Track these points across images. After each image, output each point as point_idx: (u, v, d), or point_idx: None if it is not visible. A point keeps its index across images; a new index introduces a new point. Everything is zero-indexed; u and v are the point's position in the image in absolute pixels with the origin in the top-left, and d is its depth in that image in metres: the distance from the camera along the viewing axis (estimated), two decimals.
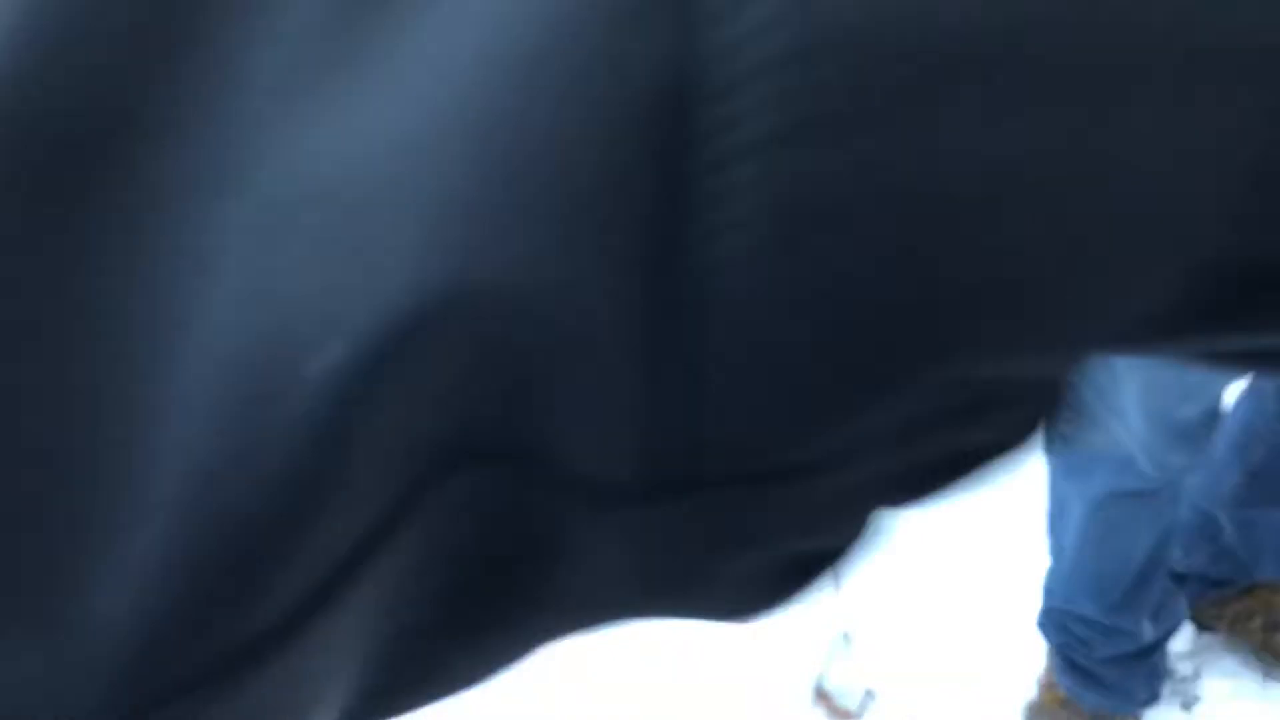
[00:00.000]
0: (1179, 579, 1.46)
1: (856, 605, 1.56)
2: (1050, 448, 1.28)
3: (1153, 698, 1.46)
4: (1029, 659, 1.49)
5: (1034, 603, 1.45)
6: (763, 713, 1.52)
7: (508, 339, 0.13)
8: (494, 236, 0.13)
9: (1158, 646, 1.43)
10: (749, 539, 0.16)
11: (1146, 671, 1.44)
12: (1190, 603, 1.49)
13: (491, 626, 0.16)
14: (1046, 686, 1.48)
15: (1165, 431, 1.17)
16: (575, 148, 0.13)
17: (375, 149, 0.13)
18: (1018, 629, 1.49)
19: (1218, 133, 0.13)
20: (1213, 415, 1.22)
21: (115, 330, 0.13)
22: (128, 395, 0.13)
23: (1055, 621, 1.41)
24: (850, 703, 1.55)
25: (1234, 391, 1.31)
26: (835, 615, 1.57)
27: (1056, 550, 1.39)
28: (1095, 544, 1.33)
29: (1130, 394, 1.15)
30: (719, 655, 1.49)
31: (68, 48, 0.13)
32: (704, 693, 1.48)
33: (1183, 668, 1.51)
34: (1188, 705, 1.48)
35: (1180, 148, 0.13)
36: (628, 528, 0.15)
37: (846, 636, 1.58)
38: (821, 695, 1.55)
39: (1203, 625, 1.52)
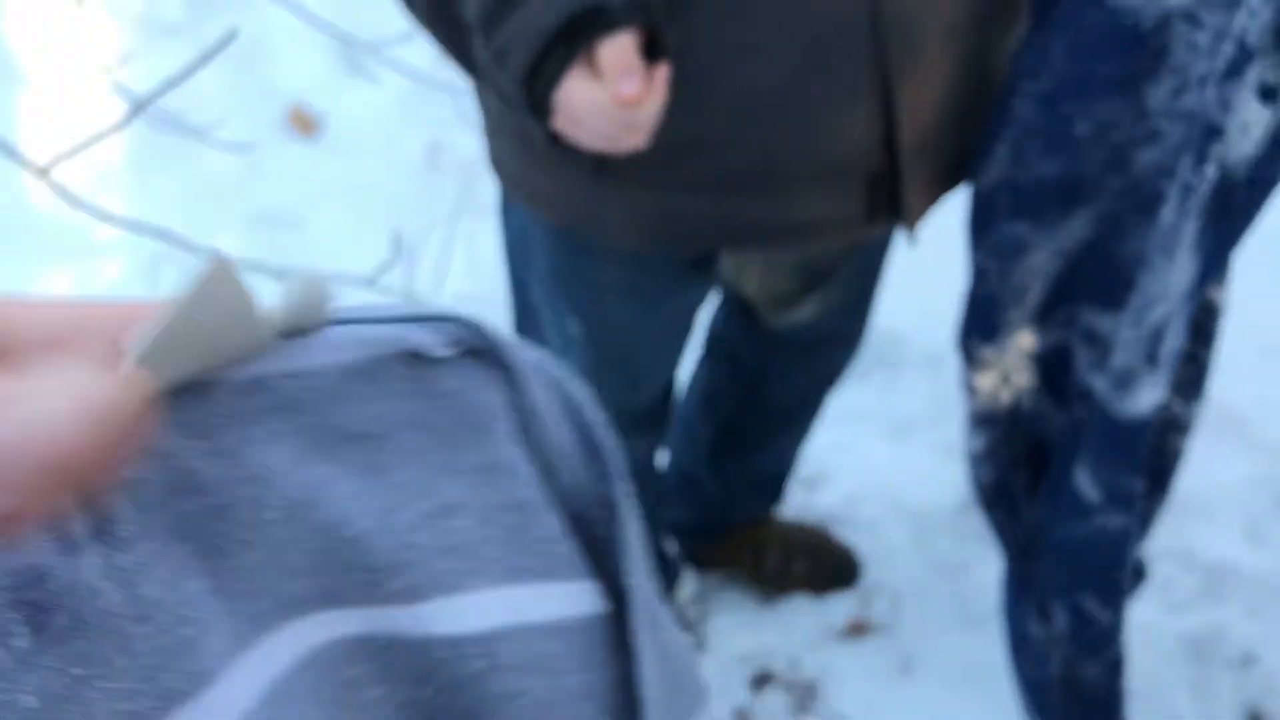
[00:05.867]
0: (678, 530, 1.61)
1: None
2: None
3: None
4: None
5: None
6: None
7: None
8: None
9: None
10: None
11: None
12: (687, 552, 1.65)
13: None
14: None
15: (621, 420, 1.19)
16: None
17: None
18: None
19: None
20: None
21: None
22: None
23: None
24: None
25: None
26: None
27: None
28: None
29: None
30: None
31: None
32: None
33: (692, 612, 1.63)
34: (701, 644, 1.59)
35: None
36: None
37: None
38: None
39: (703, 568, 1.66)
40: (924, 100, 0.96)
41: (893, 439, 1.78)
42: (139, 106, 1.01)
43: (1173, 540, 1.60)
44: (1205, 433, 1.67)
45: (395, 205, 2.06)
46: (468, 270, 1.79)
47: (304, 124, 2.25)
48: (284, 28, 2.14)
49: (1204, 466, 1.63)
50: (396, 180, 2.13)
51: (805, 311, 1.33)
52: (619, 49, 0.77)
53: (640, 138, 0.82)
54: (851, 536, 1.69)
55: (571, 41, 0.78)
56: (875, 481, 1.73)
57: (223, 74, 2.36)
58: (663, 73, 0.80)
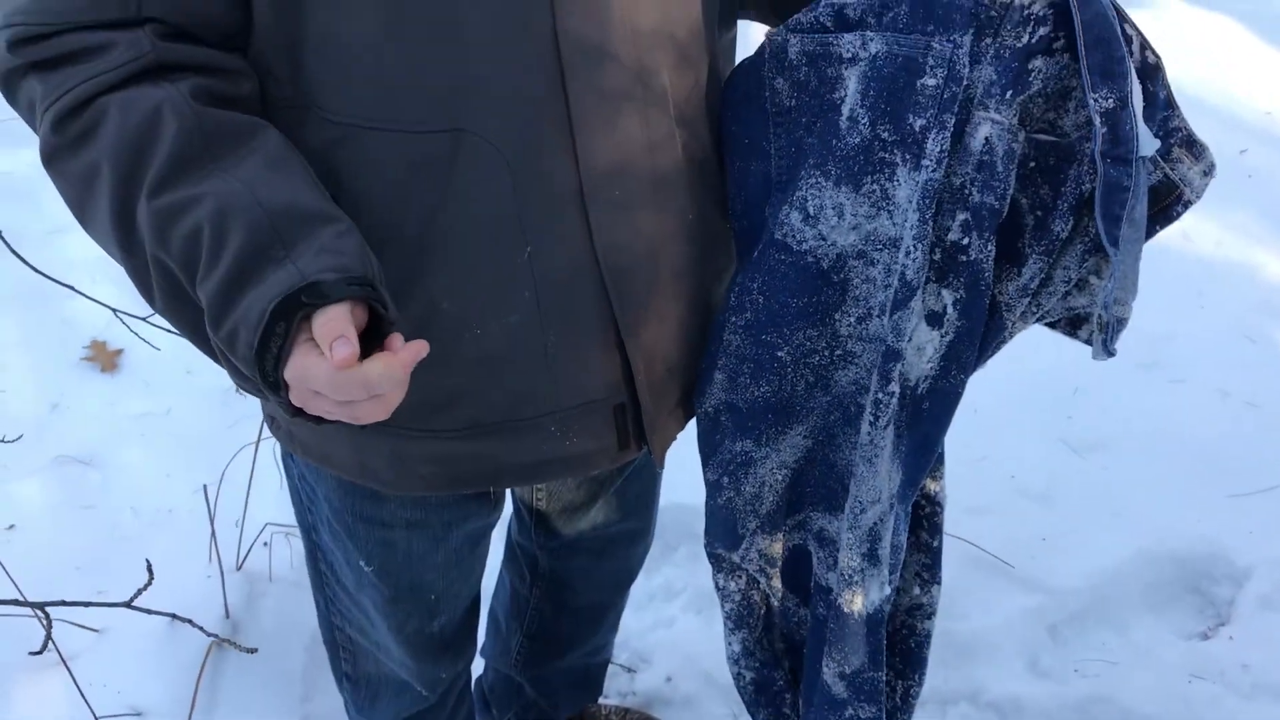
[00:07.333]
0: None
1: None
2: (341, 686, 1.39)
3: None
4: None
5: None
6: None
7: None
8: None
9: None
10: None
11: None
12: None
13: None
14: None
15: (424, 649, 1.29)
16: None
17: None
18: None
19: None
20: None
21: None
22: None
23: None
24: None
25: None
26: None
27: None
28: None
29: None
30: None
31: None
32: None
33: None
34: None
35: None
36: None
37: None
38: None
39: None
40: (657, 339, 1.04)
41: (702, 612, 1.86)
42: None
43: (962, 683, 1.70)
44: (975, 577, 1.80)
45: (200, 434, 2.08)
46: (279, 492, 1.82)
47: (105, 359, 2.26)
48: (76, 263, 2.17)
49: (979, 609, 1.76)
50: (200, 408, 2.16)
51: (594, 516, 1.40)
52: (328, 319, 0.81)
53: (382, 406, 0.84)
54: (673, 717, 1.74)
55: (291, 320, 0.82)
56: (690, 657, 1.80)
57: (19, 315, 2.36)
58: (397, 341, 0.84)
